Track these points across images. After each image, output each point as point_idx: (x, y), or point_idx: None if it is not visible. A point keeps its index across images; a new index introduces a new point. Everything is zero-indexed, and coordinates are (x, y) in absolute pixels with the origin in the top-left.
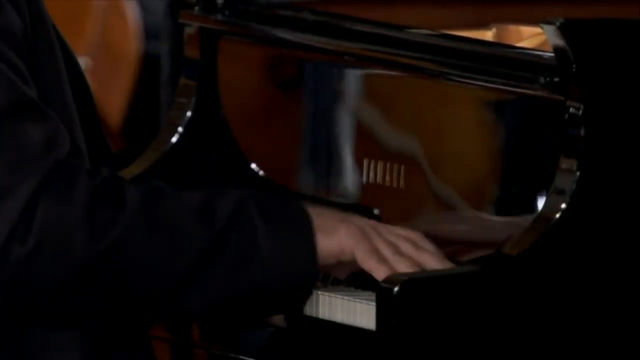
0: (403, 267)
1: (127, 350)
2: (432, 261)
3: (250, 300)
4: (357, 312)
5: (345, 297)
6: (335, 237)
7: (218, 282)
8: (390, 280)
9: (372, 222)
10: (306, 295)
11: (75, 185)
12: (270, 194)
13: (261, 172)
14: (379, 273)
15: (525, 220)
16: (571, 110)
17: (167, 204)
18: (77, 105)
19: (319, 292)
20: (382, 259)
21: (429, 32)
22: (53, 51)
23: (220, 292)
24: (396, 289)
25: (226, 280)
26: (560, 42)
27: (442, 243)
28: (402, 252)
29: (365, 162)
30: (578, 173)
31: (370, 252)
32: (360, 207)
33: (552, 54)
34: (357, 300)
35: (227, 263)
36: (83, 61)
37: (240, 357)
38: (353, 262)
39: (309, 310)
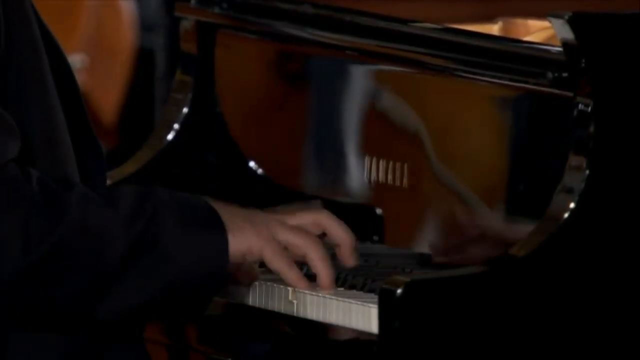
0: (314, 256)
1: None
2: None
3: (161, 301)
4: (353, 313)
5: (340, 298)
6: (243, 237)
7: (132, 288)
8: (393, 281)
9: (278, 212)
10: (215, 292)
11: (15, 194)
12: (177, 192)
13: (260, 171)
14: (289, 276)
15: (532, 220)
16: (580, 106)
17: (97, 209)
18: (65, 103)
19: (312, 294)
20: (291, 262)
21: (432, 26)
22: (35, 50)
23: (132, 298)
24: (399, 290)
25: (144, 280)
26: (569, 36)
27: (448, 243)
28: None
29: (368, 160)
30: (587, 171)
31: (280, 254)
32: (362, 206)
33: (560, 49)
34: (353, 301)
35: (144, 265)
36: (77, 57)
37: None
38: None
39: (303, 312)
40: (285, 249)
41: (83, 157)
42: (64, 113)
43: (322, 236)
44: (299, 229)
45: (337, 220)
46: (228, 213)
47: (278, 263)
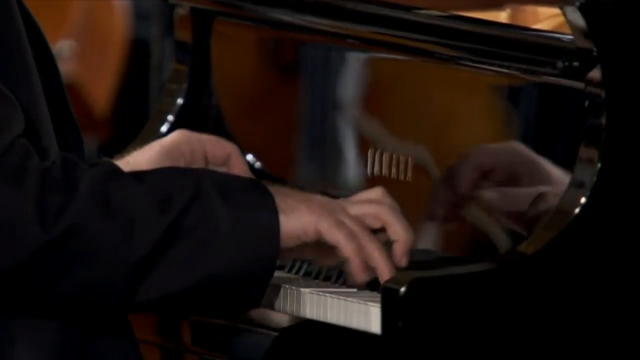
0: (371, 245)
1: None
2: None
3: (208, 288)
4: (354, 312)
5: (340, 297)
6: (296, 216)
7: (175, 269)
8: (396, 279)
9: (338, 200)
10: (266, 279)
11: (26, 168)
12: (229, 174)
13: (257, 164)
14: (347, 247)
15: (542, 215)
16: (591, 97)
17: (121, 187)
18: (48, 94)
19: (312, 291)
20: (350, 234)
21: (437, 13)
22: (19, 40)
23: (177, 279)
24: (403, 289)
25: (184, 267)
26: (580, 23)
27: (454, 240)
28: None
29: (370, 153)
30: (599, 164)
31: (336, 225)
32: None
33: (571, 37)
34: (353, 299)
35: (184, 249)
36: (66, 44)
37: None
38: (320, 243)
39: (301, 311)
40: (342, 223)
41: (64, 144)
42: (47, 104)
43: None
44: (357, 219)
45: (399, 216)
46: (280, 193)
47: (335, 235)
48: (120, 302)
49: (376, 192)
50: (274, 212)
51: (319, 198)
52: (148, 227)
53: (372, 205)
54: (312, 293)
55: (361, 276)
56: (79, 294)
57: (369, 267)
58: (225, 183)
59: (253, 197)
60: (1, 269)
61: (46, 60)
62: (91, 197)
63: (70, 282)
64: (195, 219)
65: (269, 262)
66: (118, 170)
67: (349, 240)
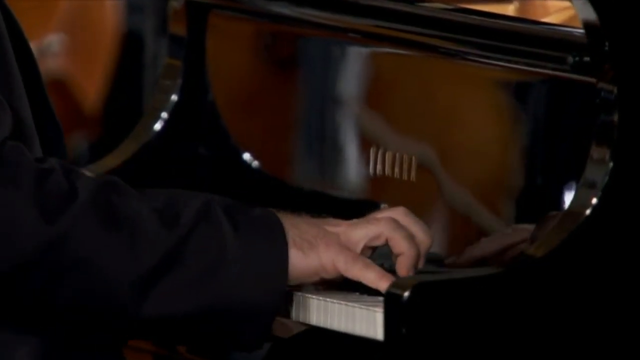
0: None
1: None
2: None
3: (209, 315)
4: (357, 318)
5: (342, 302)
6: (314, 254)
7: (177, 292)
8: (400, 284)
9: (347, 224)
10: (273, 312)
11: (21, 168)
12: (240, 202)
13: (255, 163)
14: (368, 277)
15: (551, 217)
16: (603, 93)
17: (124, 200)
18: (29, 92)
19: (314, 297)
20: (367, 263)
21: (442, 6)
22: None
23: (178, 303)
24: (406, 294)
25: (189, 289)
26: (591, 17)
27: (459, 242)
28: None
29: (372, 152)
30: (611, 164)
31: (353, 259)
32: (366, 202)
33: (582, 31)
34: (356, 305)
35: (190, 271)
36: (55, 39)
37: None
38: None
39: (302, 316)
40: (358, 255)
41: (46, 142)
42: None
43: None
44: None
45: (401, 232)
46: (295, 228)
47: (354, 271)
48: (122, 317)
49: (396, 212)
50: (284, 246)
51: (331, 229)
52: (152, 243)
53: (372, 226)
54: (316, 299)
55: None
56: (77, 303)
57: None
58: (235, 209)
59: (264, 228)
60: (2, 270)
61: (26, 57)
62: (92, 205)
63: (68, 290)
64: (202, 242)
65: (275, 297)
66: (122, 184)
67: (368, 271)
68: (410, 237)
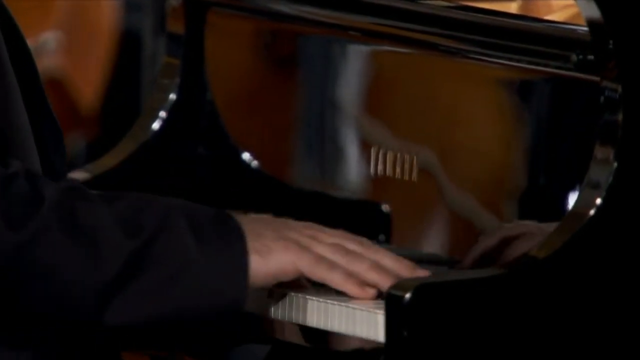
0: (359, 266)
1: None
2: (389, 259)
3: (171, 323)
4: (357, 320)
5: (343, 304)
6: (274, 258)
7: (139, 300)
8: (401, 285)
9: (310, 227)
10: (233, 318)
11: None
12: (202, 206)
13: (254, 163)
14: (334, 279)
15: (555, 218)
16: (607, 92)
17: (87, 207)
18: (24, 88)
19: (314, 299)
20: (332, 265)
21: (444, 3)
22: None
23: (140, 311)
24: (407, 295)
25: (152, 296)
26: (595, 14)
27: (462, 244)
28: (351, 251)
29: (373, 151)
30: (615, 164)
31: (316, 261)
32: (367, 202)
33: (585, 29)
34: (357, 307)
35: (152, 278)
36: (51, 36)
37: None
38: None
39: (302, 318)
40: (321, 257)
41: (44, 143)
42: (23, 98)
43: None
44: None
45: (364, 262)
46: (254, 232)
47: (319, 273)
48: (88, 322)
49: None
50: (244, 253)
51: (292, 231)
52: (114, 250)
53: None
54: (316, 301)
55: (365, 294)
56: (40, 310)
57: (366, 284)
58: (196, 216)
59: (224, 235)
60: None
61: (23, 57)
62: (56, 212)
63: (30, 298)
64: (164, 249)
65: (236, 304)
66: (85, 190)
67: (333, 272)
68: (376, 266)
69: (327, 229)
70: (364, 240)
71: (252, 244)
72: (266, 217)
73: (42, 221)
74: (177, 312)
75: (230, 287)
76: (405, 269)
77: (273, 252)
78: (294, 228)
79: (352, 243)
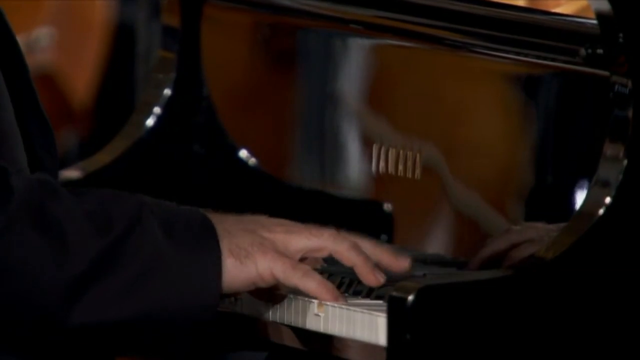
0: (340, 245)
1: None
2: (368, 243)
3: (140, 324)
4: (357, 323)
5: (343, 307)
6: (250, 262)
7: (107, 299)
8: (404, 287)
9: (282, 223)
10: (205, 322)
11: None
12: (175, 204)
13: (252, 161)
14: (308, 285)
15: (563, 217)
16: (617, 87)
17: (57, 202)
18: (12, 83)
19: (313, 301)
20: (307, 272)
21: None
22: None
23: (108, 311)
24: (410, 297)
25: (121, 295)
26: (604, 7)
27: (466, 244)
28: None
29: (375, 149)
30: (625, 161)
31: (292, 267)
32: (368, 201)
33: (594, 22)
34: (358, 309)
35: (122, 277)
36: (45, 32)
37: None
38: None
39: (301, 321)
40: (296, 263)
41: (32, 140)
42: (11, 93)
43: None
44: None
45: (344, 243)
46: (229, 235)
47: (294, 280)
48: (54, 321)
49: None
50: (217, 256)
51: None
52: (83, 246)
53: (314, 238)
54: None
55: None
56: (6, 305)
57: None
58: (169, 215)
59: (197, 235)
60: None
61: (12, 53)
62: (25, 206)
63: (1, 289)
64: (134, 248)
65: (207, 307)
66: (55, 184)
67: (307, 279)
68: (355, 245)
69: (298, 224)
70: (342, 232)
71: (228, 246)
72: (237, 216)
73: (10, 215)
74: (145, 313)
75: (202, 288)
76: (385, 255)
77: (250, 256)
78: (267, 226)
79: (329, 234)
